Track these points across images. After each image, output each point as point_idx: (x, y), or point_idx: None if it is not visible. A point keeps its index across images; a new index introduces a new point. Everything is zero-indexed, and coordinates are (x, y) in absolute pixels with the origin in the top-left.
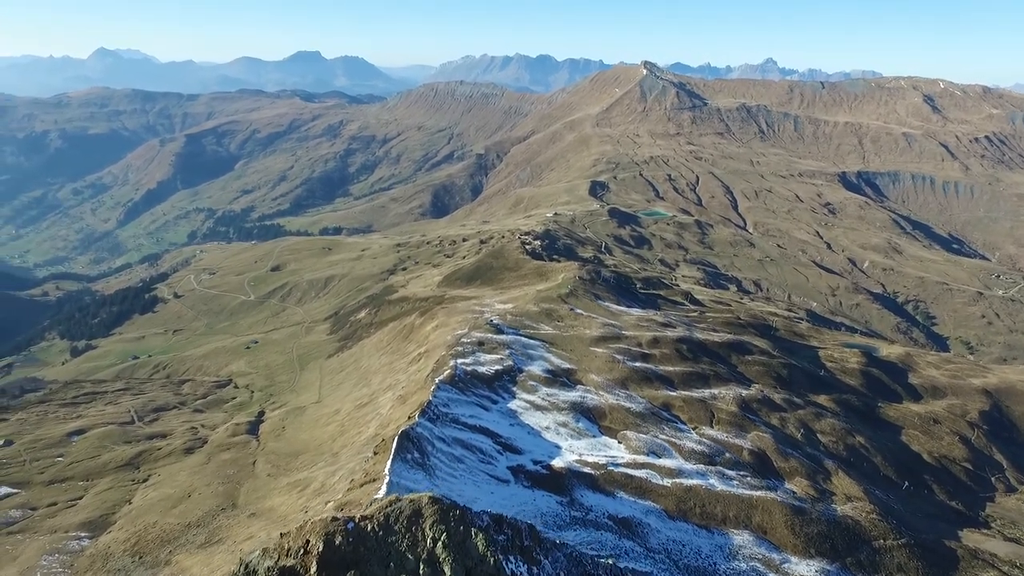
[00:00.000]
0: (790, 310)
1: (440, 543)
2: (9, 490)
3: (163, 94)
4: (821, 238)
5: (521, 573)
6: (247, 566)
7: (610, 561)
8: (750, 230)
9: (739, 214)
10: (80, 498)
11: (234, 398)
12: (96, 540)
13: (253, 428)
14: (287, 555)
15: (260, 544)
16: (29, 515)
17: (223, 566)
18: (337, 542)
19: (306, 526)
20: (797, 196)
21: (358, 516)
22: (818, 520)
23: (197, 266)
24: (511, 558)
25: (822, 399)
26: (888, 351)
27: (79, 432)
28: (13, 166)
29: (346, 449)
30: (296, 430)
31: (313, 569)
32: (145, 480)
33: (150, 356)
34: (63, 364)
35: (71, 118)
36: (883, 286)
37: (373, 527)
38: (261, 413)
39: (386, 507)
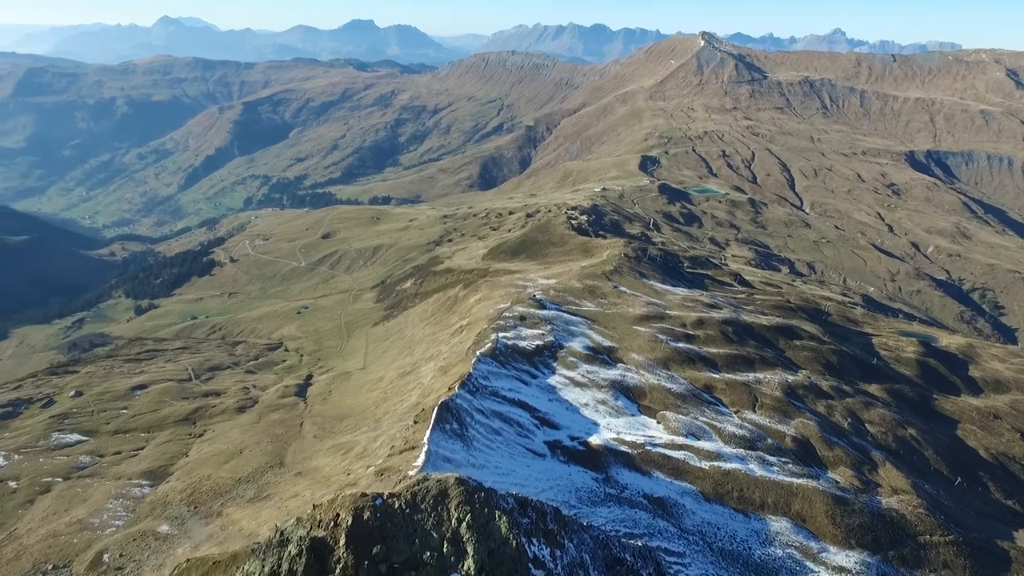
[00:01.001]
0: (845, 295)
1: (464, 523)
2: (80, 437)
3: (222, 62)
4: (883, 220)
5: (544, 556)
6: (282, 533)
7: (639, 543)
8: (807, 210)
9: (796, 193)
10: (142, 448)
11: (284, 361)
12: (156, 488)
13: (301, 391)
14: (318, 526)
15: (305, 503)
16: (97, 461)
17: (269, 521)
18: (365, 517)
19: (337, 500)
20: (859, 176)
21: (386, 493)
22: (861, 511)
23: (252, 232)
24: (534, 541)
25: (873, 388)
26: (948, 341)
27: (141, 387)
28: (84, 131)
29: (388, 416)
30: (342, 395)
31: (342, 541)
32: (200, 435)
33: (207, 317)
34: (128, 321)
35: (136, 85)
36: (948, 272)
37: (400, 505)
38: (309, 377)
39: (414, 486)
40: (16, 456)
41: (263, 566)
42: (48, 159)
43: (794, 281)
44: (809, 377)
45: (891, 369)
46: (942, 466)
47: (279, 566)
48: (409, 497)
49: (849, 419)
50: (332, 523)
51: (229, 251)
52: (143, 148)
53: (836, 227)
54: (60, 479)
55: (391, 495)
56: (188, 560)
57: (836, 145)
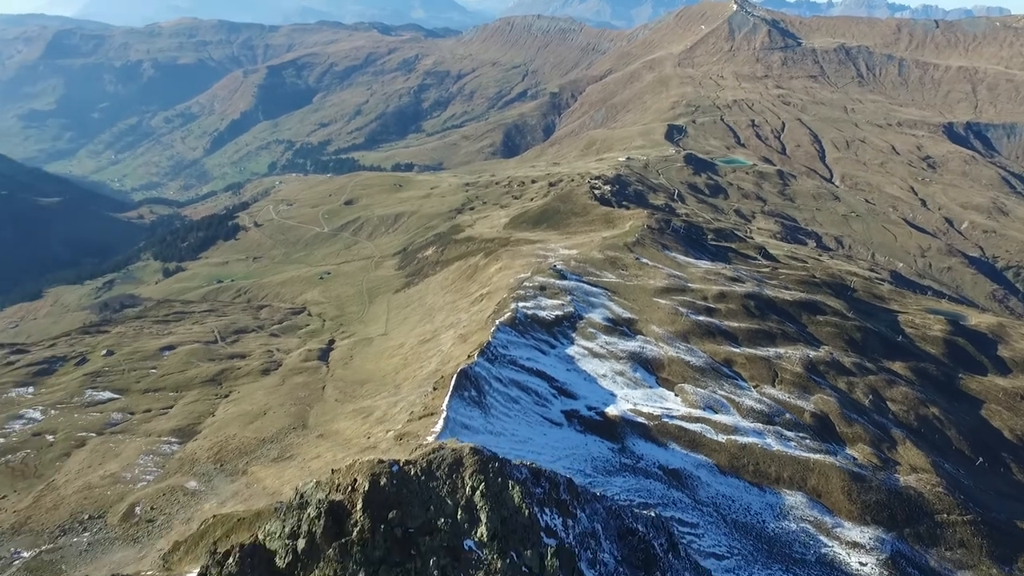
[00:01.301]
0: (872, 270)
1: (478, 492)
2: (112, 395)
3: (246, 25)
4: (916, 194)
5: (556, 525)
6: (302, 496)
7: (652, 513)
8: (836, 182)
9: (826, 165)
10: (170, 407)
11: (307, 325)
12: (184, 446)
13: (324, 355)
14: (336, 490)
15: (326, 464)
16: (128, 419)
17: (292, 480)
18: (382, 483)
19: (355, 465)
20: (893, 148)
21: (403, 460)
22: (878, 488)
23: (276, 197)
24: (547, 510)
25: (896, 366)
26: (978, 320)
27: (170, 348)
28: (112, 94)
29: (408, 382)
30: (363, 360)
31: (359, 505)
32: (226, 396)
33: (232, 281)
34: (156, 283)
35: (162, 48)
36: (981, 249)
37: (416, 472)
38: (331, 341)
39: (430, 454)
40: (52, 411)
41: (283, 526)
42: (78, 121)
43: (820, 255)
44: (831, 353)
45: (916, 347)
46: (964, 446)
47: (299, 527)
48: (425, 465)
49: (870, 396)
50: (350, 487)
51: (254, 216)
52: (169, 111)
53: (866, 201)
54: (94, 434)
55: (407, 462)
56: (215, 516)
57: (870, 116)
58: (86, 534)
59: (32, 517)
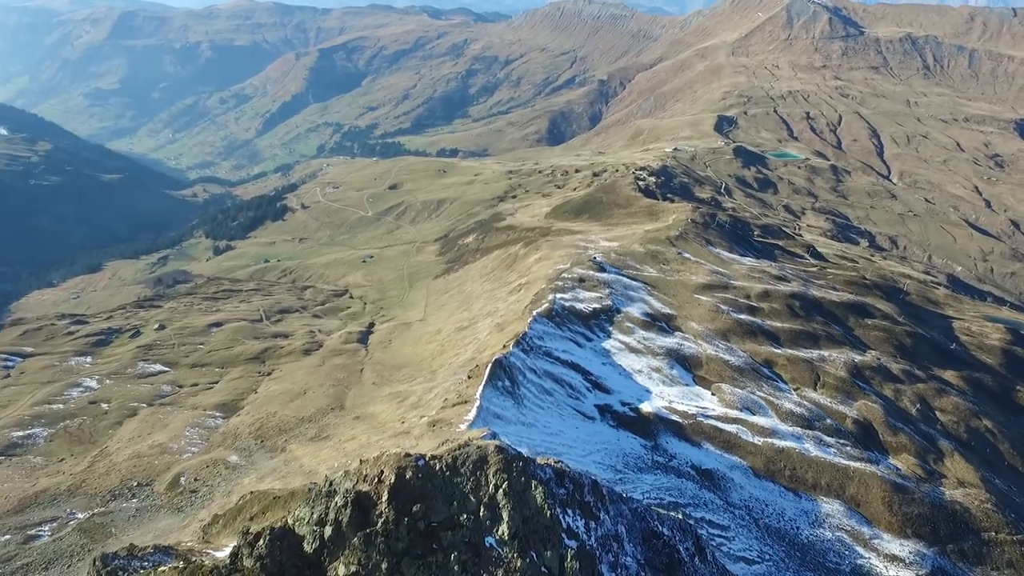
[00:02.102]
0: (927, 273)
1: (501, 490)
2: (162, 368)
3: (300, 7)
4: (980, 194)
5: (578, 527)
6: (331, 483)
7: (679, 515)
8: (894, 180)
9: (883, 161)
10: (216, 382)
11: (349, 308)
12: (227, 420)
13: (363, 338)
14: (364, 481)
15: (361, 446)
16: (176, 391)
17: (328, 460)
18: (408, 476)
19: (382, 458)
20: (958, 144)
21: (428, 455)
22: (921, 501)
23: (323, 179)
24: (569, 511)
25: (948, 375)
26: None
27: (217, 324)
28: (171, 74)
29: (443, 368)
30: (401, 344)
31: (384, 497)
32: (269, 374)
33: (279, 261)
34: (207, 260)
35: (219, 30)
36: None
37: (441, 467)
38: (371, 324)
39: (455, 450)
40: (107, 381)
41: (312, 513)
42: (139, 101)
43: (872, 256)
44: (878, 358)
45: (971, 356)
46: (1018, 462)
47: (326, 514)
48: (450, 460)
49: (918, 405)
50: (376, 479)
51: (301, 197)
52: (224, 92)
53: (925, 200)
54: (145, 405)
55: (433, 457)
56: (252, 493)
57: (935, 110)
58: (134, 500)
59: (87, 481)
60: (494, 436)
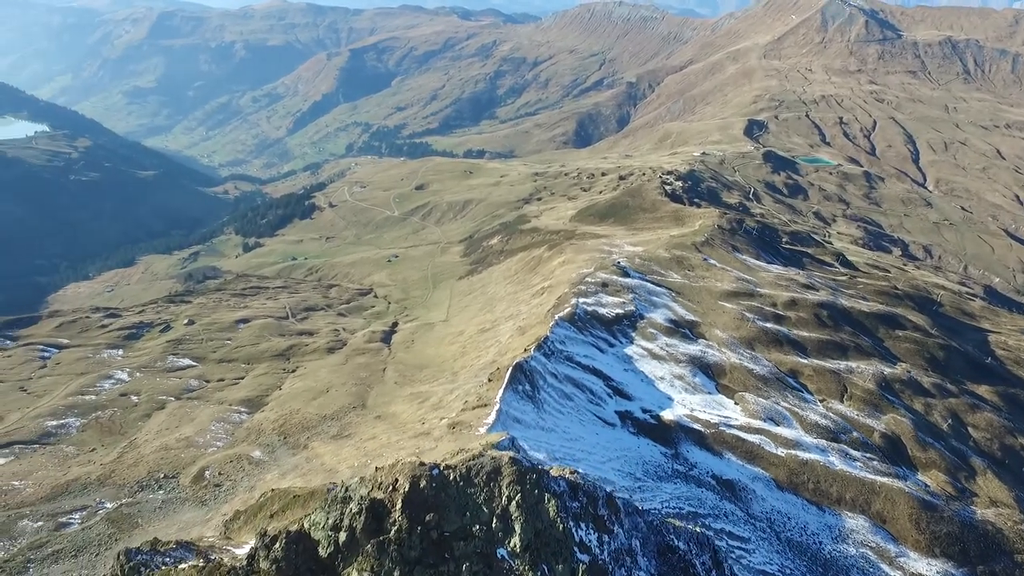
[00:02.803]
0: (963, 284)
1: (514, 503)
2: (190, 362)
3: (332, 8)
4: (1021, 203)
5: (591, 541)
6: (346, 489)
7: (697, 528)
8: (930, 187)
9: (919, 168)
10: (242, 378)
11: (373, 307)
12: (252, 416)
13: (386, 337)
14: (378, 488)
15: (381, 445)
16: (204, 386)
17: (348, 459)
18: (422, 485)
19: (397, 466)
20: (998, 151)
21: (443, 464)
22: (950, 519)
23: (350, 179)
24: (582, 525)
25: (982, 390)
26: None
27: (244, 321)
28: (206, 73)
29: (465, 370)
30: (423, 344)
31: (398, 505)
32: (293, 371)
33: (306, 259)
34: (236, 257)
35: (253, 30)
36: None
37: (455, 477)
38: (395, 324)
39: (470, 460)
40: (138, 374)
41: (327, 518)
42: (174, 99)
43: (905, 265)
44: (908, 371)
45: (1007, 371)
46: None
47: (341, 520)
48: (464, 471)
49: (949, 420)
50: (391, 487)
51: (329, 196)
52: (257, 91)
53: (962, 208)
54: (173, 398)
55: (447, 467)
56: (273, 490)
57: (975, 116)
58: (161, 492)
59: (116, 471)
60: (512, 441)
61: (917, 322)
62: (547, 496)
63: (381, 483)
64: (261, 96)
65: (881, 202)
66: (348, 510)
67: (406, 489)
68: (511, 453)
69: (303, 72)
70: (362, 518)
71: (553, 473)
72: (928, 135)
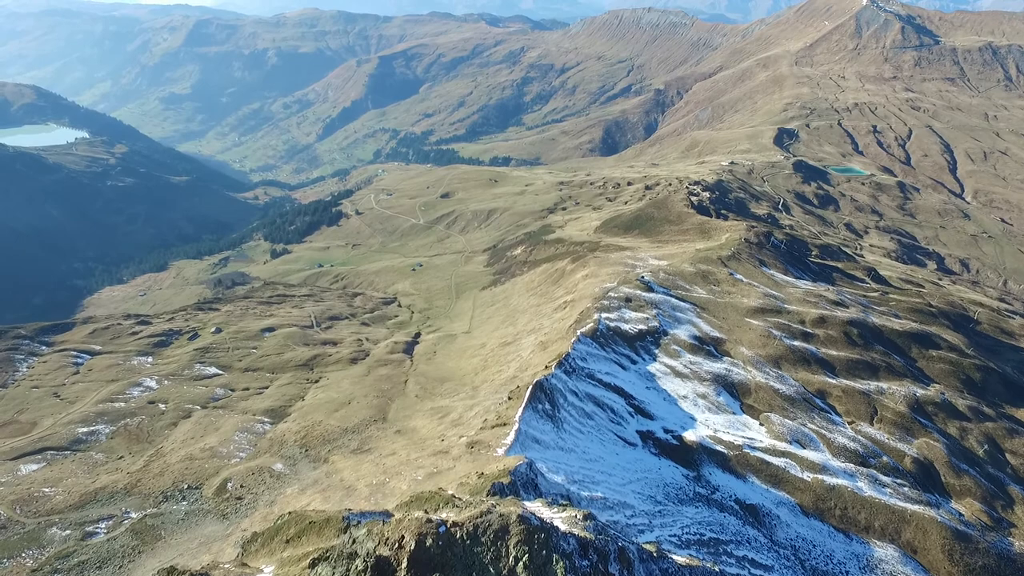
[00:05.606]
0: (1002, 300)
1: (521, 563)
2: (216, 371)
3: (362, 15)
4: None
5: None
6: (354, 540)
7: (716, 568)
8: (967, 198)
9: (956, 178)
10: (266, 388)
11: (396, 316)
12: (275, 427)
13: (409, 348)
14: (384, 544)
15: (400, 462)
16: (229, 395)
17: (367, 476)
18: (428, 543)
19: (403, 522)
20: None
21: (450, 522)
22: (986, 551)
23: (377, 186)
24: None
25: (1022, 414)
26: None
27: (270, 329)
28: (239, 80)
29: (485, 385)
30: (445, 356)
31: (404, 564)
32: (316, 381)
33: (332, 266)
34: (264, 263)
35: (285, 37)
36: None
37: (462, 535)
38: (417, 334)
39: (477, 517)
40: (166, 381)
41: (333, 572)
42: (208, 105)
43: (941, 279)
44: (942, 393)
45: None
46: None
47: None
48: (471, 528)
49: (986, 446)
50: (397, 544)
51: (356, 204)
52: (288, 98)
53: (1002, 220)
54: (199, 407)
55: (454, 524)
56: (290, 513)
57: (1016, 124)
58: (184, 503)
59: (142, 480)
60: (530, 465)
61: (952, 341)
62: (555, 557)
63: (387, 539)
64: (292, 102)
65: (916, 213)
66: (354, 567)
67: (412, 547)
68: (519, 511)
69: (333, 79)
70: (367, 575)
71: (563, 529)
72: (966, 144)
